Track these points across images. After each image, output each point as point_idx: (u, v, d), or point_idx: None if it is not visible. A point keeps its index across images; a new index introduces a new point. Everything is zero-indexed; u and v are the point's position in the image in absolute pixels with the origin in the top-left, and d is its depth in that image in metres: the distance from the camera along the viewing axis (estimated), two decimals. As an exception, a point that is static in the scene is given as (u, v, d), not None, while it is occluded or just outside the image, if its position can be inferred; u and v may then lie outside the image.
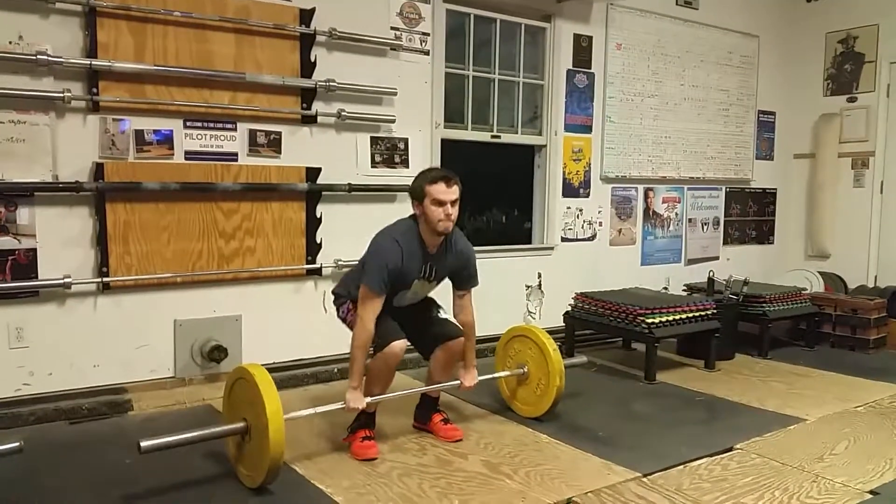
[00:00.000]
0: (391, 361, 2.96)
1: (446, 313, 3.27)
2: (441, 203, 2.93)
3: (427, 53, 4.46)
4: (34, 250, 3.33)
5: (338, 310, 3.23)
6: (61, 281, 3.36)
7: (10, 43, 3.22)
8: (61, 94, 3.31)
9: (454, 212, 2.98)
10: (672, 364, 4.60)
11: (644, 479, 2.80)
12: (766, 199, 6.61)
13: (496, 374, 3.57)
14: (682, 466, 2.93)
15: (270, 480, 2.60)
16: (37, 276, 3.34)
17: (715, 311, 4.53)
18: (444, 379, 3.26)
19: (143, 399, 3.52)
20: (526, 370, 3.50)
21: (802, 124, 6.56)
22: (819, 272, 6.11)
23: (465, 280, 3.19)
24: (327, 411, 2.94)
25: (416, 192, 2.99)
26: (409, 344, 3.03)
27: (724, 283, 4.93)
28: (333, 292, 3.27)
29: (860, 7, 6.17)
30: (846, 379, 4.35)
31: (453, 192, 2.96)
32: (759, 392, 4.02)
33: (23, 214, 3.30)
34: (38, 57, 3.23)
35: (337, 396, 3.53)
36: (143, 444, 2.48)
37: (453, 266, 3.14)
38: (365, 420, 3.07)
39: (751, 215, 6.50)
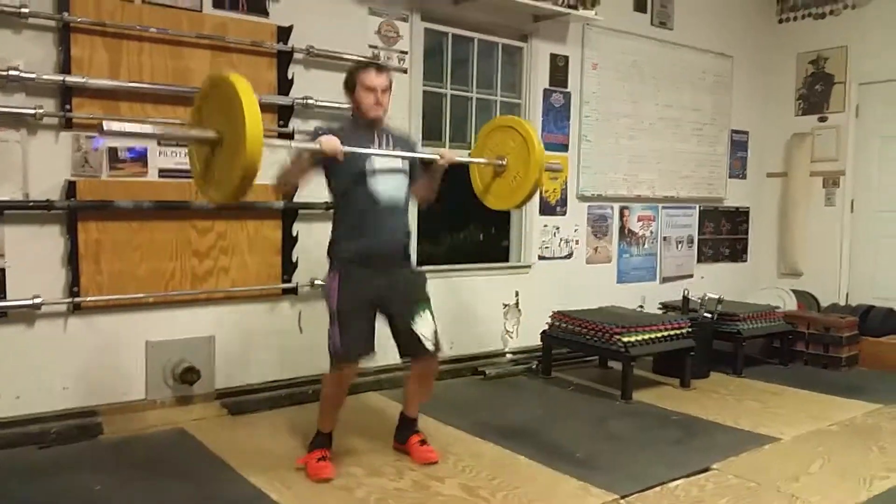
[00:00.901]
0: (346, 383, 3.00)
1: (429, 317, 3.06)
2: (371, 89, 2.95)
3: (405, 72, 4.46)
4: (2, 270, 3.25)
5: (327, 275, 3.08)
6: (31, 301, 3.28)
7: (-19, 59, 3.17)
8: (33, 111, 3.25)
9: (384, 99, 2.99)
10: (648, 383, 4.61)
11: (622, 501, 2.79)
12: (739, 218, 6.69)
13: (475, 160, 3.43)
14: (659, 488, 2.93)
15: (239, 196, 2.45)
16: (5, 297, 3.26)
17: (690, 329, 4.56)
18: (423, 396, 3.24)
19: (113, 422, 3.44)
20: (505, 162, 3.34)
21: (775, 143, 6.66)
22: (792, 290, 6.18)
23: (418, 170, 3.15)
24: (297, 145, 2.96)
25: (348, 81, 3.03)
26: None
27: (699, 301, 4.97)
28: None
29: (829, 29, 6.30)
30: (819, 397, 4.39)
31: (383, 79, 2.98)
32: (734, 411, 4.04)
33: (-9, 233, 3.24)
34: (10, 73, 3.17)
35: (312, 418, 3.50)
36: (105, 126, 2.26)
37: (405, 147, 3.12)
38: (321, 440, 3.05)
39: (724, 233, 6.56)
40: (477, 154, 3.52)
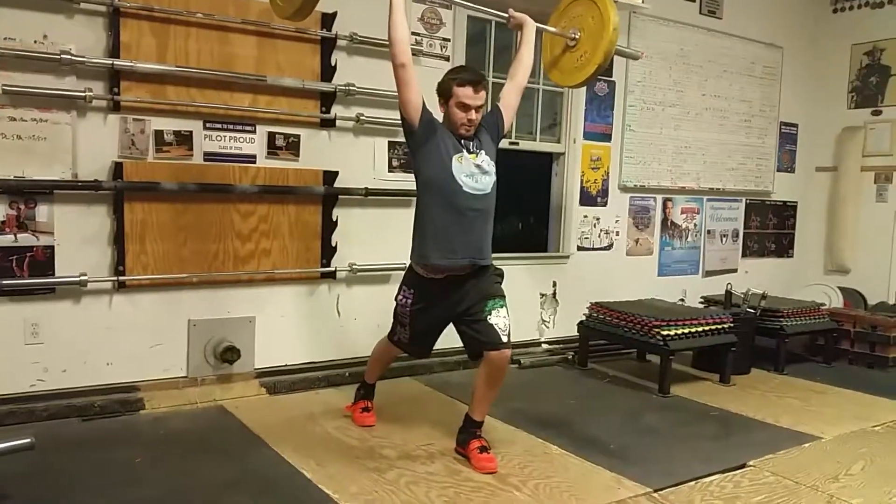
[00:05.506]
0: (398, 353, 3.30)
1: (504, 312, 3.00)
2: (466, 108, 2.92)
3: (447, 59, 4.45)
4: (52, 248, 3.36)
5: (399, 289, 3.11)
6: (78, 278, 3.38)
7: (35, 42, 3.25)
8: (83, 94, 3.33)
9: (477, 117, 2.96)
10: (687, 377, 4.55)
11: (654, 495, 2.77)
12: (786, 212, 6.54)
13: (548, 28, 3.33)
14: (693, 482, 2.89)
15: (303, 13, 2.87)
16: (54, 274, 3.36)
17: (732, 324, 4.48)
18: (490, 398, 3.07)
19: (154, 398, 3.53)
20: (578, 37, 3.23)
21: (825, 137, 6.48)
22: (838, 287, 6.03)
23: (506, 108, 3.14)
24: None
25: (444, 89, 2.99)
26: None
27: (742, 296, 4.88)
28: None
29: (887, 19, 6.09)
30: (864, 397, 4.28)
31: (479, 98, 2.94)
32: (775, 408, 3.97)
33: (42, 212, 3.33)
34: (62, 56, 3.25)
35: (348, 399, 3.55)
36: None
37: (488, 137, 3.06)
38: (365, 391, 3.42)
39: (770, 228, 6.43)
40: (555, 22, 3.40)
